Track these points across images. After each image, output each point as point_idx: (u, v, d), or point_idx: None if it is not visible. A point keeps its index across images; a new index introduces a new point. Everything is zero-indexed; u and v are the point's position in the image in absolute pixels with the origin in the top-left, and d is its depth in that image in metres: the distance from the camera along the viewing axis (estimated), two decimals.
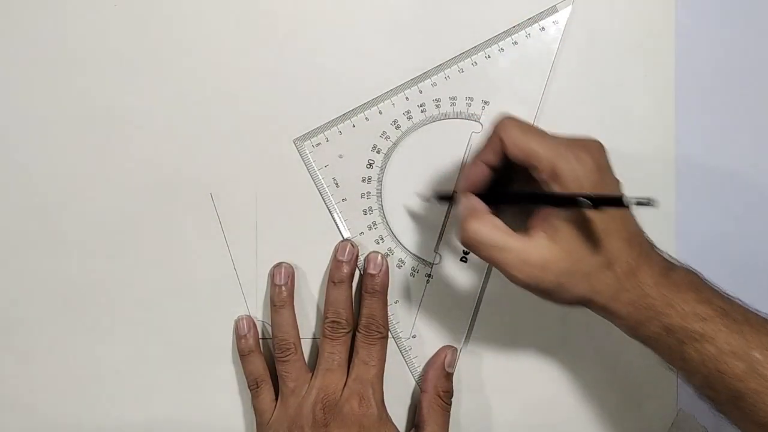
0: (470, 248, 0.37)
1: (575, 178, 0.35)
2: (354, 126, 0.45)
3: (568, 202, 0.35)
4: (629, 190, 0.46)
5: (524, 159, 0.37)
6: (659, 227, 0.46)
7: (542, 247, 0.36)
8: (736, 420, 0.36)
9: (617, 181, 0.38)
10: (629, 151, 0.46)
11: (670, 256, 0.38)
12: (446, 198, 0.44)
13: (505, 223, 0.37)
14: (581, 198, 0.34)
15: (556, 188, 0.36)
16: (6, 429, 0.46)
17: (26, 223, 0.45)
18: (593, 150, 0.37)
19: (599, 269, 0.36)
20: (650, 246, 0.38)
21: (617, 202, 0.33)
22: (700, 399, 0.37)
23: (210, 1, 0.44)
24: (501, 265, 0.36)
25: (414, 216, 0.46)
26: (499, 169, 0.39)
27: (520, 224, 0.38)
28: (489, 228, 0.37)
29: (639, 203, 0.32)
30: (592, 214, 0.35)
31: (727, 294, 0.37)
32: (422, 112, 0.45)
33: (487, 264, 0.45)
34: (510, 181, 0.41)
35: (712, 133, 0.46)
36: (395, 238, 0.46)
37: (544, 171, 0.36)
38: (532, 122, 0.45)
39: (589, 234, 0.36)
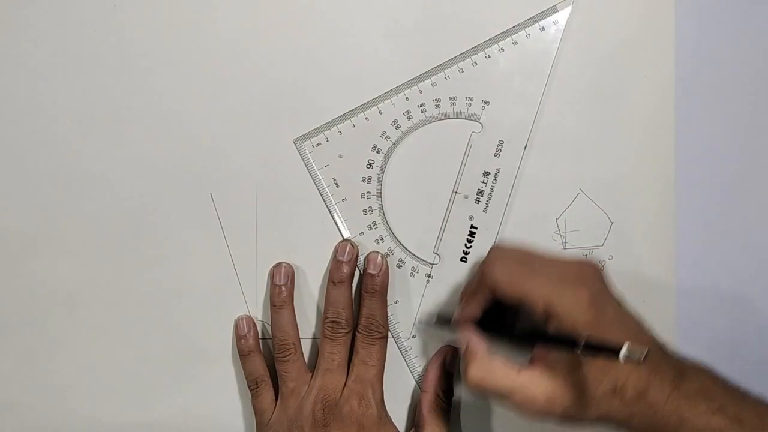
0: (475, 394, 0.39)
1: (570, 316, 0.35)
2: (354, 126, 0.45)
3: (563, 345, 0.35)
4: (629, 189, 0.46)
5: (519, 301, 0.37)
6: (660, 228, 0.46)
7: (545, 384, 0.36)
8: None
9: (617, 303, 0.38)
10: (629, 151, 0.46)
11: (681, 357, 0.37)
12: (446, 323, 0.44)
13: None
14: (575, 344, 0.33)
15: (552, 325, 0.36)
16: (6, 429, 0.46)
17: (26, 223, 0.45)
18: (589, 280, 0.37)
19: (606, 398, 0.35)
20: (660, 353, 0.37)
21: (609, 352, 0.32)
22: None
23: (210, 2, 0.44)
24: (509, 406, 0.37)
25: (414, 216, 0.46)
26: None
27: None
28: (489, 374, 0.37)
29: (629, 358, 0.31)
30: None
31: (740, 389, 0.36)
32: (422, 112, 0.45)
33: None
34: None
35: (712, 133, 0.46)
36: (395, 238, 0.46)
37: (538, 310, 0.36)
38: (532, 122, 0.45)
39: (591, 363, 0.35)
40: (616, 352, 0.32)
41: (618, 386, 0.35)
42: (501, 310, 0.41)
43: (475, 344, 0.39)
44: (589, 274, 0.38)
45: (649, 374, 0.35)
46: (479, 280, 0.40)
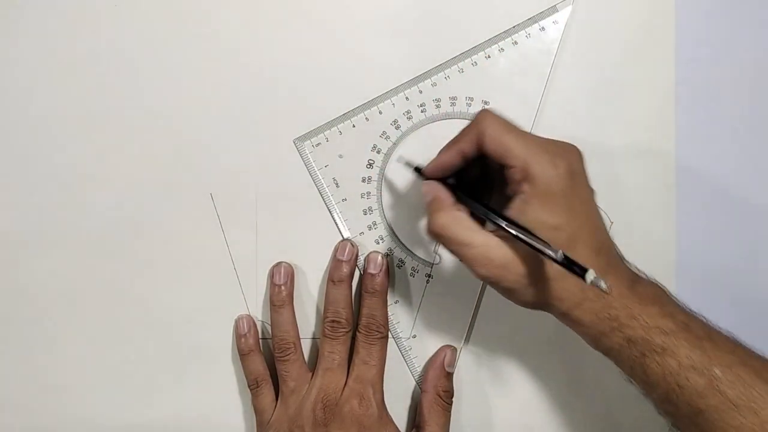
0: (436, 240, 0.38)
1: (546, 181, 0.35)
2: (354, 126, 0.45)
3: (525, 242, 0.34)
4: (629, 189, 0.46)
5: (500, 155, 0.36)
6: (660, 227, 0.46)
7: (504, 250, 0.36)
8: None
9: (591, 190, 0.38)
10: (629, 151, 0.46)
11: (638, 269, 0.38)
12: (418, 171, 0.43)
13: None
14: (543, 248, 0.33)
15: (526, 188, 0.35)
16: (6, 429, 0.46)
17: (26, 223, 0.45)
18: (570, 155, 0.37)
19: (564, 276, 0.35)
20: (618, 258, 0.38)
21: (572, 268, 0.33)
22: (660, 415, 0.37)
23: (210, 2, 0.44)
24: (464, 260, 0.37)
25: (414, 216, 0.46)
26: (471, 160, 0.39)
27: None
28: (454, 223, 0.37)
29: (593, 283, 0.32)
30: (561, 222, 0.35)
31: (691, 310, 0.37)
32: (422, 112, 0.45)
33: None
34: (481, 177, 0.41)
35: (712, 133, 0.46)
36: (395, 238, 0.46)
37: (516, 170, 0.36)
38: (532, 122, 0.45)
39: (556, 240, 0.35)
40: (581, 271, 0.32)
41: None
42: (473, 188, 0.41)
43: (444, 194, 0.39)
44: (571, 152, 0.37)
45: (607, 267, 0.36)
46: (469, 125, 0.38)
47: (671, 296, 0.37)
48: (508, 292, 0.37)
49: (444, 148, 0.40)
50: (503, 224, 0.35)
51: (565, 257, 0.33)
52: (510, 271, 0.36)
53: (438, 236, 0.37)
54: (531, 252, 0.35)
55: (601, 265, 0.36)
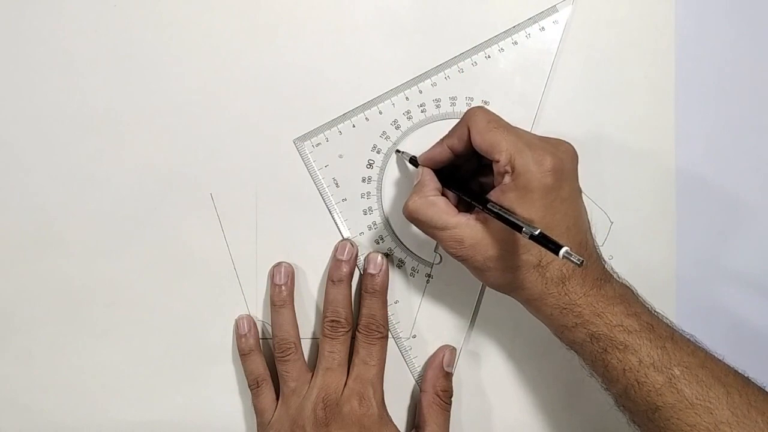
0: (411, 221, 0.40)
1: (527, 177, 0.36)
2: (354, 126, 0.45)
3: (511, 223, 0.35)
4: (629, 189, 0.46)
5: (486, 149, 0.37)
6: (660, 228, 0.46)
7: (477, 231, 0.37)
8: None
9: (577, 189, 0.38)
10: (629, 151, 0.46)
11: (612, 269, 0.39)
12: (413, 163, 0.44)
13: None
14: (524, 227, 0.33)
15: (507, 180, 0.36)
16: (6, 429, 0.46)
17: (26, 223, 0.45)
18: (561, 154, 0.37)
19: (527, 267, 0.37)
20: (595, 257, 0.38)
21: (548, 245, 0.32)
22: (618, 409, 0.38)
23: (210, 1, 0.44)
24: (437, 240, 0.39)
25: None
26: (463, 154, 0.40)
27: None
28: (429, 206, 0.39)
29: (566, 257, 0.31)
30: (534, 217, 0.36)
31: (658, 313, 0.38)
32: (422, 112, 0.45)
33: None
34: (475, 168, 0.42)
35: (712, 134, 0.46)
36: (395, 238, 0.46)
37: (501, 164, 0.37)
38: (532, 122, 0.45)
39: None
40: (556, 248, 0.32)
41: (543, 262, 0.37)
42: (460, 178, 0.42)
43: (428, 178, 0.41)
44: (563, 150, 0.38)
45: (575, 267, 0.36)
46: (459, 120, 0.40)
47: (639, 298, 0.38)
48: (477, 272, 0.39)
49: (437, 142, 0.42)
50: (486, 205, 0.37)
51: (541, 234, 0.33)
52: (478, 251, 0.37)
53: (411, 218, 0.40)
54: (501, 238, 0.37)
55: (569, 264, 0.36)
